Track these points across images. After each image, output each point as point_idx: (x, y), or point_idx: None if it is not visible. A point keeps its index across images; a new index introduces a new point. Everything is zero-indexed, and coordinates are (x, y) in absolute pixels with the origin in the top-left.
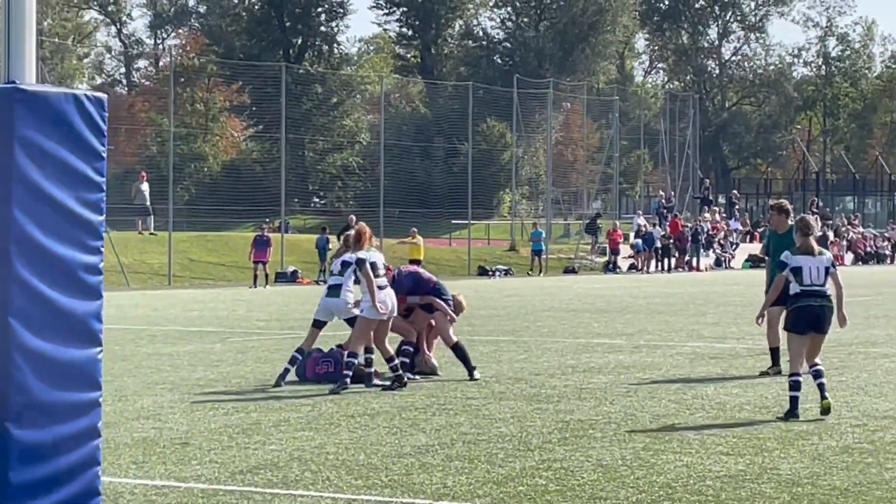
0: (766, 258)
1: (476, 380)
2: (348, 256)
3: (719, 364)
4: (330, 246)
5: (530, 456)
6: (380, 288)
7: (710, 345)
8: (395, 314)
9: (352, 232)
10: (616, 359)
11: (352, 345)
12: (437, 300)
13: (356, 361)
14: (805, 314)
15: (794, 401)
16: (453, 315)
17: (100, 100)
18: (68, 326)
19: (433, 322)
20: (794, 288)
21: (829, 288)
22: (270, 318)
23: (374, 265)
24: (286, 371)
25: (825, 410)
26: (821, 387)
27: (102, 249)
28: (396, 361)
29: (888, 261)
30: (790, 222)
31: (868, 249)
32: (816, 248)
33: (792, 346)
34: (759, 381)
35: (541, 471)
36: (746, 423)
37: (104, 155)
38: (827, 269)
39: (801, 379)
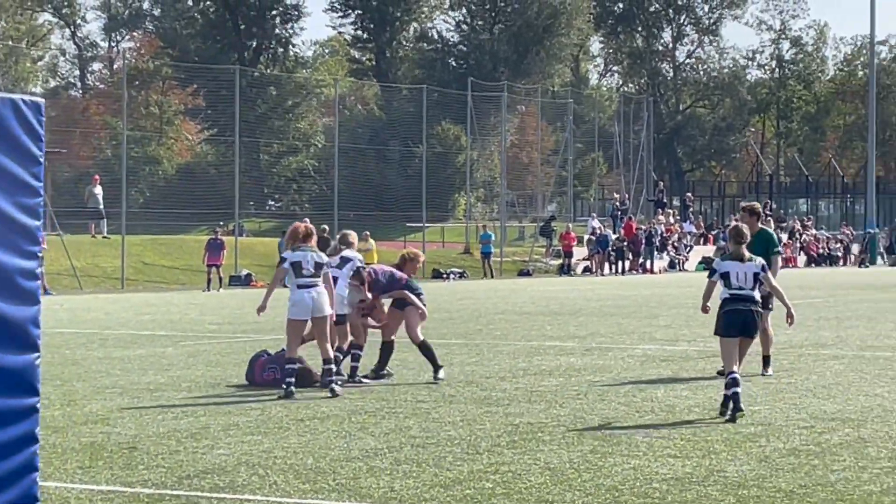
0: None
1: (441, 379)
2: (349, 253)
3: (670, 366)
4: None
5: (478, 459)
6: (301, 287)
7: (661, 347)
8: (341, 312)
9: (348, 232)
10: (567, 361)
11: (287, 350)
12: (410, 294)
13: (294, 367)
14: (732, 318)
15: (735, 397)
16: (425, 310)
17: (37, 105)
18: (5, 332)
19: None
20: (724, 293)
21: (771, 293)
22: (223, 322)
23: (296, 265)
24: (354, 370)
25: (730, 420)
26: (735, 397)
27: (40, 254)
28: (332, 366)
29: (840, 262)
30: (760, 225)
31: (821, 251)
32: (747, 254)
33: (723, 350)
34: (709, 384)
35: (488, 474)
36: (695, 426)
37: (42, 160)
38: (756, 274)
39: (737, 376)
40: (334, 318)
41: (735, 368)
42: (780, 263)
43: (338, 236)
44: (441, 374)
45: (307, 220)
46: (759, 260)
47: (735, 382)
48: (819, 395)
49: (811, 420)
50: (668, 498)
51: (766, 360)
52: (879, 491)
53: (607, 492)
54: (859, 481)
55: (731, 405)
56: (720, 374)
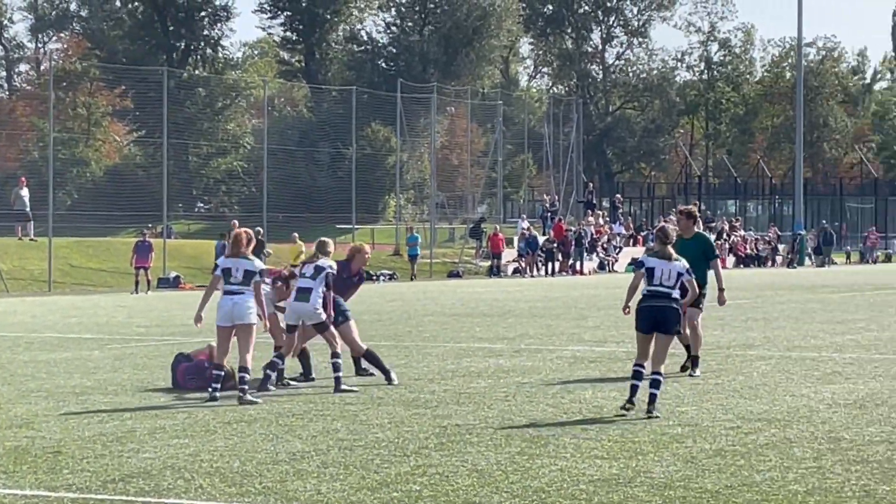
0: None
1: (394, 384)
2: (321, 262)
3: (598, 368)
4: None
5: (406, 461)
6: (227, 293)
7: (590, 348)
8: (318, 322)
9: (326, 240)
10: (496, 363)
11: (216, 355)
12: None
13: (220, 373)
14: (644, 313)
15: (633, 389)
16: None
17: None
18: None
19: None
20: (644, 289)
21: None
22: (151, 325)
23: (227, 271)
24: (266, 377)
25: (622, 408)
26: (652, 398)
27: None
28: (245, 374)
29: (768, 263)
30: (696, 228)
31: (749, 252)
32: (673, 255)
33: (637, 343)
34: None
35: (416, 476)
36: (622, 427)
37: None
38: (679, 274)
39: (643, 370)
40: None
41: (642, 361)
42: (720, 266)
43: (315, 244)
44: (394, 377)
45: (236, 221)
46: (684, 262)
47: (636, 375)
48: (746, 396)
49: (737, 421)
50: (594, 499)
51: (694, 361)
52: (804, 491)
53: (534, 493)
54: (784, 481)
55: (629, 395)
56: (683, 369)
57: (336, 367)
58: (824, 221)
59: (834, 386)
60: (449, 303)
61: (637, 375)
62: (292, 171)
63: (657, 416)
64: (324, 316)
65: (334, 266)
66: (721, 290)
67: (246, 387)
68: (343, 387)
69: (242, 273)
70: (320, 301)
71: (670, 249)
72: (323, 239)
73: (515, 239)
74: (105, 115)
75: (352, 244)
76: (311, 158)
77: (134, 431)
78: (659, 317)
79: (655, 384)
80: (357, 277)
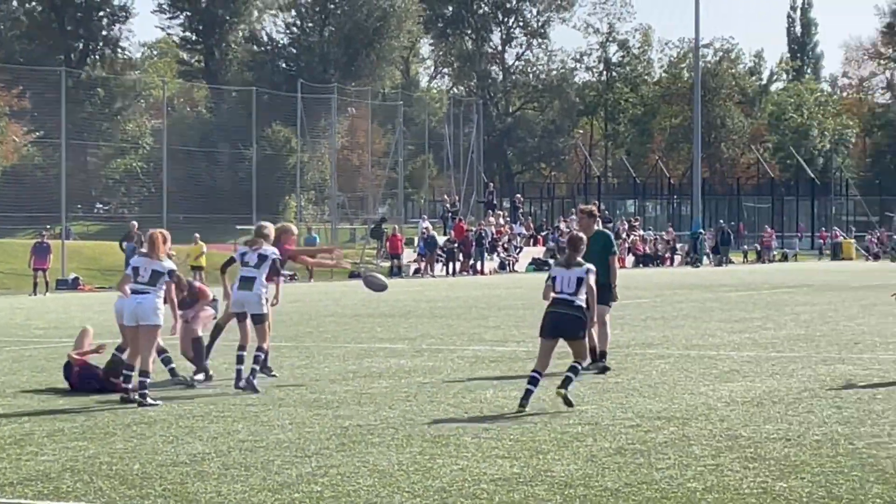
0: None
1: (198, 381)
2: (264, 249)
3: (499, 367)
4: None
5: (307, 462)
6: (133, 293)
7: (491, 348)
8: (259, 312)
9: (264, 224)
10: (397, 363)
11: (129, 355)
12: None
13: (147, 380)
14: (549, 320)
15: (527, 393)
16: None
17: None
18: None
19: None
20: (550, 297)
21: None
22: (49, 326)
23: (135, 270)
24: (238, 371)
25: (563, 400)
26: (566, 380)
27: None
28: (145, 379)
29: (667, 263)
30: (597, 227)
31: (648, 252)
32: (577, 261)
33: (539, 348)
34: (547, 385)
35: (317, 477)
36: (523, 426)
37: None
38: (580, 279)
39: (538, 377)
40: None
41: (540, 369)
42: (617, 265)
43: (255, 229)
44: (199, 377)
45: (135, 223)
46: (587, 266)
47: (532, 381)
48: (645, 394)
49: (637, 419)
50: (495, 499)
51: (601, 356)
52: (703, 488)
53: (435, 493)
54: (683, 479)
55: (522, 399)
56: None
57: (256, 360)
58: (722, 221)
59: (732, 384)
60: (350, 303)
61: (533, 381)
62: (192, 171)
63: (569, 403)
64: (265, 308)
65: (277, 252)
66: (613, 286)
67: (146, 391)
68: (257, 379)
69: (150, 273)
70: (264, 290)
71: (575, 257)
72: (261, 223)
73: (416, 239)
74: (2, 115)
75: (277, 225)
76: (211, 159)
77: (32, 434)
78: (560, 324)
79: (573, 370)
80: (284, 260)
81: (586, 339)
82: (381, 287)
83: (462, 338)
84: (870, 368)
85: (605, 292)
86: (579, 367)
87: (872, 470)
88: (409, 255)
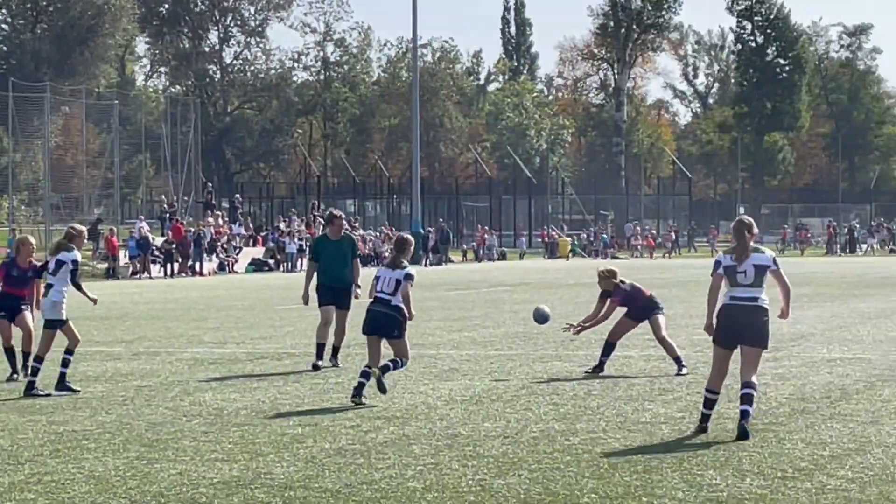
0: (311, 260)
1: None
2: (61, 255)
3: (219, 369)
4: None
5: (20, 470)
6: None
7: (210, 350)
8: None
9: (79, 228)
10: (114, 367)
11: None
12: None
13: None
14: (367, 317)
15: (360, 385)
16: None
17: None
18: None
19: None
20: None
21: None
22: None
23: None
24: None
25: (378, 385)
26: (385, 367)
27: None
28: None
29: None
30: (343, 232)
31: (367, 252)
32: (402, 263)
33: (367, 346)
34: (257, 386)
35: (31, 485)
36: (243, 429)
37: None
38: (398, 280)
39: (368, 370)
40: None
41: (370, 362)
42: (359, 265)
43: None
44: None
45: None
46: (409, 270)
47: (364, 374)
48: (365, 395)
49: (357, 419)
50: (214, 502)
51: (334, 351)
52: (422, 487)
53: (153, 498)
54: (403, 478)
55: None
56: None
57: (64, 363)
58: (442, 220)
59: (451, 383)
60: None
61: (364, 375)
62: None
63: (382, 389)
64: (63, 314)
65: (78, 258)
66: (358, 286)
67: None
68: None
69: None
70: (59, 296)
71: (401, 259)
72: (72, 227)
73: (131, 240)
74: None
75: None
76: None
77: None
78: (376, 321)
79: (384, 368)
80: (31, 271)
81: (405, 339)
82: (543, 319)
83: (180, 340)
84: (586, 365)
85: (350, 297)
86: (399, 361)
87: (588, 465)
88: (124, 256)
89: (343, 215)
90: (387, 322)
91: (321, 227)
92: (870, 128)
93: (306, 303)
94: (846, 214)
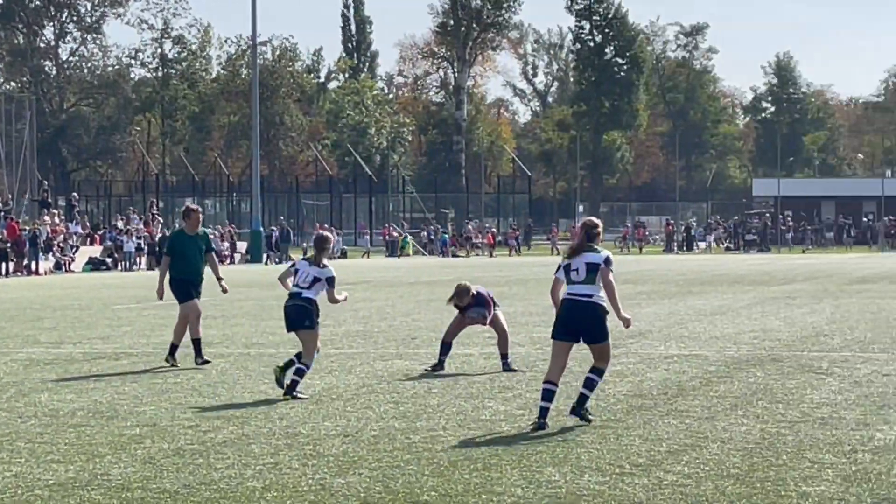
0: (166, 255)
1: None
2: None
3: (55, 370)
4: None
5: None
6: None
7: (46, 350)
8: None
9: None
10: None
11: None
12: None
13: None
14: (285, 312)
15: (291, 381)
16: None
17: None
18: None
19: None
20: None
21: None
22: None
23: None
24: None
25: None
26: (293, 384)
27: None
28: None
29: (227, 261)
30: (200, 229)
31: (219, 249)
32: (323, 262)
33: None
34: (94, 387)
35: None
36: (80, 430)
37: None
38: (316, 277)
39: (295, 361)
40: None
41: (297, 354)
42: (216, 259)
43: None
44: None
45: None
46: (329, 269)
47: (288, 364)
48: (204, 394)
49: (197, 419)
50: None
51: (197, 348)
52: (262, 487)
53: None
54: (242, 478)
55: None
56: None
57: None
58: (282, 218)
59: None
60: None
61: (290, 364)
62: None
63: (303, 398)
64: None
65: None
66: (221, 277)
67: None
68: None
69: None
70: None
71: (322, 256)
72: None
73: None
74: None
75: None
76: None
77: None
78: (290, 314)
79: (299, 371)
80: None
81: (316, 332)
82: None
83: (15, 340)
84: (426, 363)
85: (200, 288)
86: (304, 369)
87: (428, 463)
88: None
89: (200, 209)
90: (300, 313)
91: (159, 225)
92: (706, 126)
93: (161, 297)
94: (684, 213)
